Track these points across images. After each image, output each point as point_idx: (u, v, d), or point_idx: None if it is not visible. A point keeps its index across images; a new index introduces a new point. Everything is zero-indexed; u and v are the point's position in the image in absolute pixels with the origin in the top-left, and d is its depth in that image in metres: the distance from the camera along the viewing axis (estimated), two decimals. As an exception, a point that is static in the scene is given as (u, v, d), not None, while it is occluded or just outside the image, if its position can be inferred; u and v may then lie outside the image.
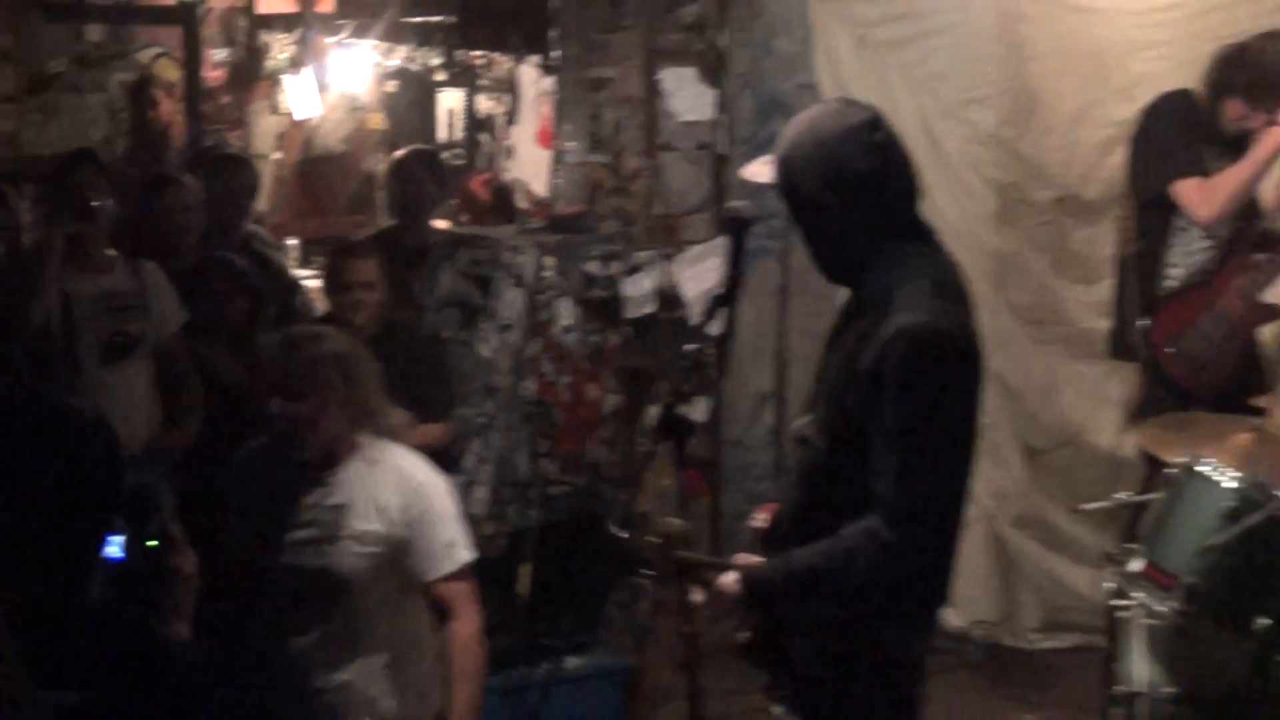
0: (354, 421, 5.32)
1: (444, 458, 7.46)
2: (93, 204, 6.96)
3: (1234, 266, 7.02)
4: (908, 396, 4.14)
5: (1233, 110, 6.92)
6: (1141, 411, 7.03)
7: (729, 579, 4.36)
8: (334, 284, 7.37)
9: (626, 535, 4.87)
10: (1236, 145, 6.95)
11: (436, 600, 5.48)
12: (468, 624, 5.53)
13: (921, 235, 4.46)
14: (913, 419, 4.15)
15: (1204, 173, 6.88)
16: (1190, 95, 7.11)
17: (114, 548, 4.26)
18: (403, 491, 5.30)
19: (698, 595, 4.40)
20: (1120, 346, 7.36)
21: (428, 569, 5.36)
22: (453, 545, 5.42)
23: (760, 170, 4.59)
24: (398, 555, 5.29)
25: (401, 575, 5.36)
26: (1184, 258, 7.03)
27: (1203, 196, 6.82)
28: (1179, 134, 7.00)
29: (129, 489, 3.55)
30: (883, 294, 4.27)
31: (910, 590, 4.31)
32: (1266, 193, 7.12)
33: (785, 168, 4.39)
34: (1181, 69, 7.94)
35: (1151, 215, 7.05)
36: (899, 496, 4.15)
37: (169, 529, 4.68)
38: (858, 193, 4.31)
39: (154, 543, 4.60)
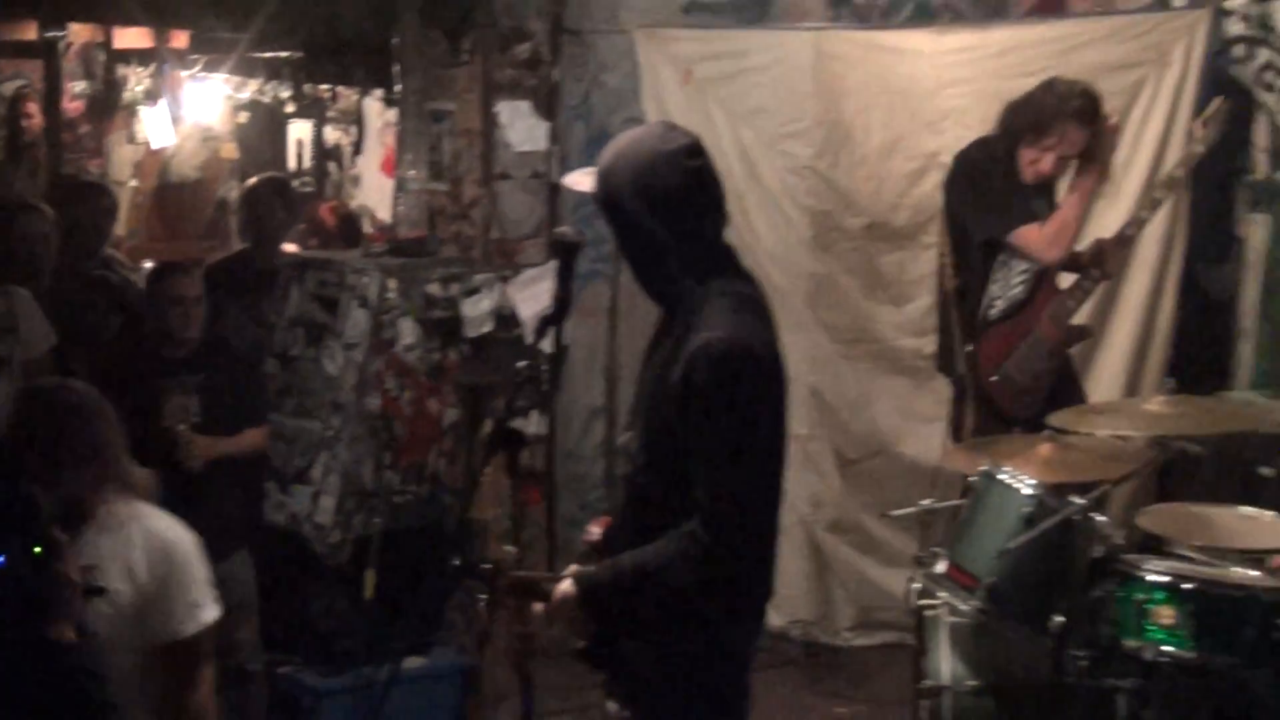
0: (99, 478, 5.00)
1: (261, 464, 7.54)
2: None
3: (1046, 293, 7.09)
4: (715, 407, 4.16)
5: (1026, 157, 6.99)
6: (974, 434, 7.07)
7: (564, 587, 4.35)
8: (160, 300, 7.32)
9: (459, 564, 4.82)
10: (1042, 185, 7.04)
11: (173, 661, 5.07)
12: (203, 687, 5.14)
13: (726, 257, 4.46)
14: (721, 428, 4.17)
15: (1034, 217, 6.94)
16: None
17: (-1, 556, 4.22)
18: (150, 550, 5.01)
19: (537, 607, 4.39)
20: (948, 367, 7.43)
21: (171, 629, 5.02)
22: (196, 606, 5.09)
23: (580, 180, 4.62)
24: (144, 615, 4.98)
25: (147, 635, 5.02)
26: (1004, 289, 7.09)
27: (1046, 241, 6.88)
28: (1000, 183, 7.05)
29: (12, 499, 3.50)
30: (689, 311, 4.30)
31: (731, 588, 4.30)
32: None
33: (605, 181, 4.38)
34: (982, 104, 8.03)
35: (976, 253, 7.09)
36: (713, 501, 4.16)
37: (53, 535, 4.62)
38: (671, 211, 4.32)
39: (39, 549, 4.56)
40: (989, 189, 7.05)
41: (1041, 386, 7.06)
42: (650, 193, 4.30)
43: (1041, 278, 7.09)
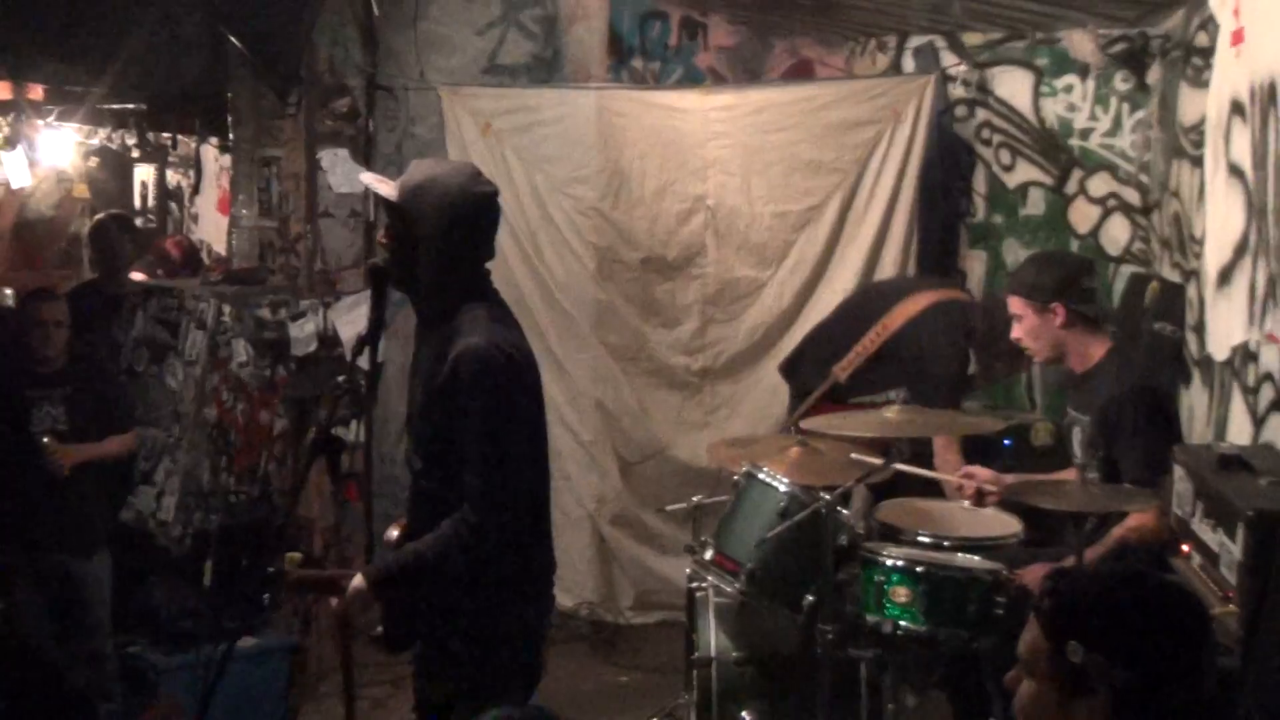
0: None
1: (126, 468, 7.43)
2: None
3: None
4: (476, 401, 4.22)
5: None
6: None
7: (355, 582, 4.32)
8: (27, 322, 7.21)
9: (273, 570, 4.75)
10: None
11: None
12: None
13: (485, 281, 4.52)
14: (482, 419, 4.22)
15: None
16: None
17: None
18: None
19: (332, 602, 4.35)
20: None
21: None
22: None
23: (377, 182, 4.57)
24: None
25: None
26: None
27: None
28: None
29: None
30: (448, 320, 4.36)
31: (502, 563, 4.35)
32: None
33: (414, 195, 4.39)
34: (740, 154, 8.16)
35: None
36: (479, 484, 4.21)
37: None
38: (462, 238, 4.40)
39: None
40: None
41: None
42: (452, 218, 4.36)
43: None
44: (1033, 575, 5.49)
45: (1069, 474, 5.93)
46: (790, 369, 7.64)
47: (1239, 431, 5.78)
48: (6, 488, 6.85)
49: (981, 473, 6.13)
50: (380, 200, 4.57)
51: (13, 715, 2.94)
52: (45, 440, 6.98)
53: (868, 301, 7.44)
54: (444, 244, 4.36)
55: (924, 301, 7.11)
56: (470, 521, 4.22)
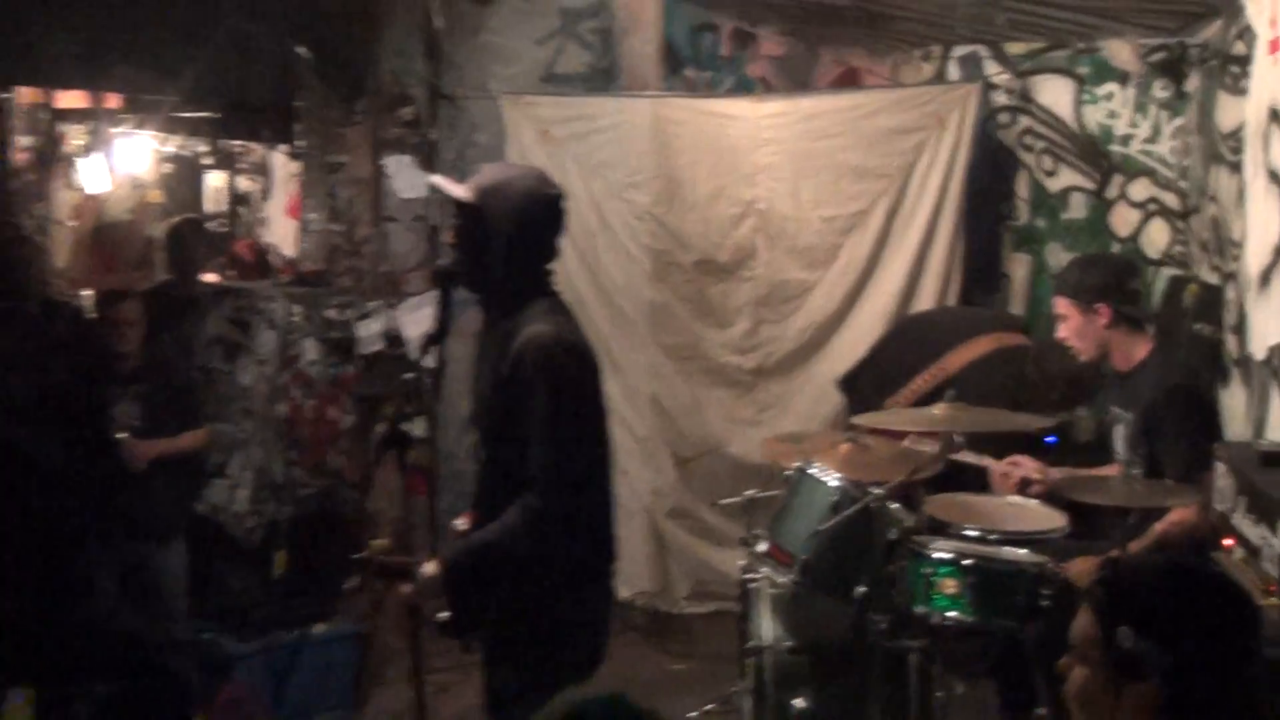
0: None
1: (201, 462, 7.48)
2: None
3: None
4: (540, 388, 4.22)
5: None
6: None
7: (427, 568, 4.34)
8: (103, 322, 7.29)
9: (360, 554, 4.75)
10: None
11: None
12: None
13: (548, 279, 4.52)
14: (547, 406, 4.22)
15: None
16: None
17: None
18: None
19: (405, 588, 4.36)
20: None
21: None
22: None
23: (450, 185, 4.58)
24: None
25: None
26: None
27: None
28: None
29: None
30: (511, 314, 4.38)
31: (566, 549, 4.35)
32: None
33: (488, 196, 4.41)
34: (790, 160, 8.12)
35: None
36: (543, 469, 4.22)
37: None
38: (532, 238, 4.42)
39: None
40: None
41: None
42: (524, 218, 4.38)
43: None
44: (1077, 568, 5.48)
45: (1111, 470, 5.92)
46: (849, 385, 7.66)
47: (1278, 429, 5.75)
48: (86, 482, 6.90)
49: (1028, 463, 6.12)
50: (451, 202, 4.57)
51: (120, 698, 2.96)
52: (122, 436, 7.04)
53: (931, 334, 7.48)
54: (515, 243, 4.38)
55: (984, 347, 7.15)
56: (535, 506, 4.23)
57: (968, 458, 6.36)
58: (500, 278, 4.43)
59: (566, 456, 4.27)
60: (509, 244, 4.38)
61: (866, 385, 7.47)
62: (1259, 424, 5.94)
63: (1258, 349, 5.89)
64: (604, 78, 8.67)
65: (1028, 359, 7.11)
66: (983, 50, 8.99)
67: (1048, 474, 6.00)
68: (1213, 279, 7.28)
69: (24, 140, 12.52)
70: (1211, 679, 2.74)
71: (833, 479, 5.80)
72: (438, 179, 4.93)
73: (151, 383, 7.19)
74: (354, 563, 4.37)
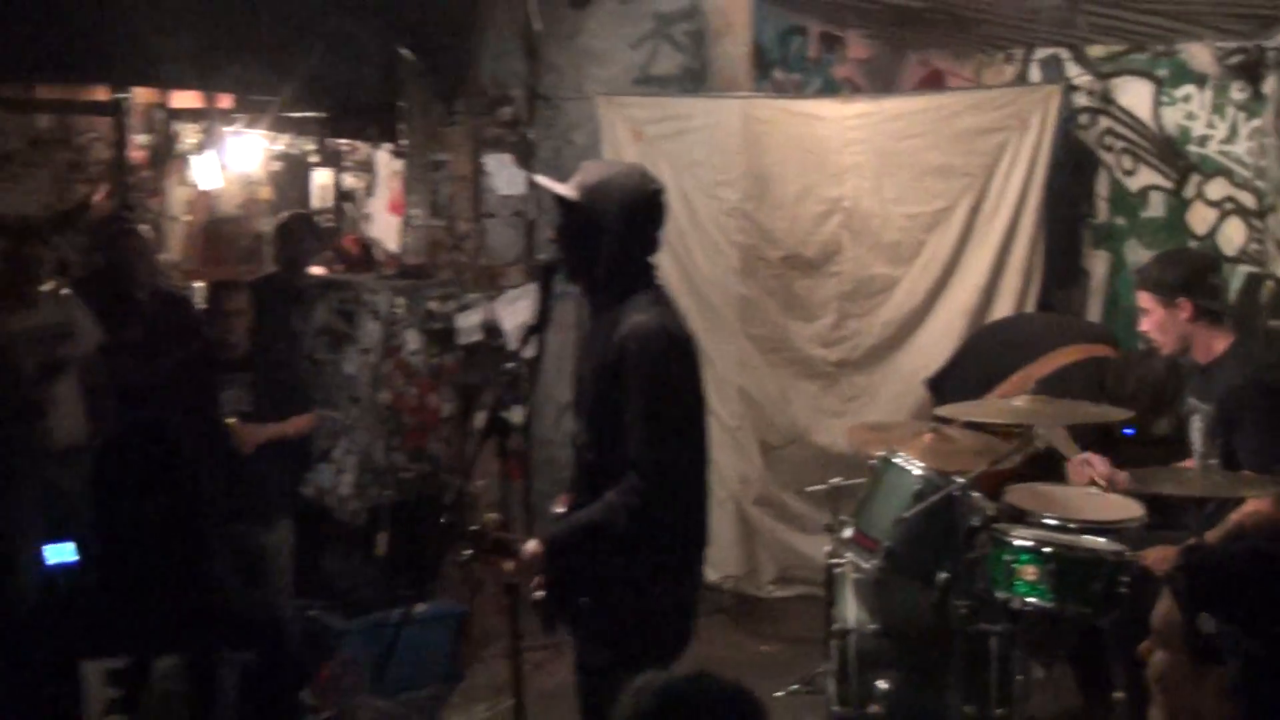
0: None
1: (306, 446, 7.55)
2: (26, 263, 7.08)
3: None
4: (644, 376, 4.26)
5: None
6: None
7: (531, 545, 4.36)
8: (213, 312, 7.44)
9: (449, 522, 4.78)
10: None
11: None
12: None
13: (651, 271, 4.55)
14: (649, 392, 4.27)
15: None
16: None
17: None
18: None
19: (509, 565, 4.38)
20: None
21: None
22: None
23: (555, 184, 4.60)
24: None
25: None
26: None
27: None
28: None
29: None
30: (616, 305, 4.41)
31: (664, 531, 4.38)
32: None
33: (593, 193, 4.43)
34: (877, 158, 8.09)
35: None
36: (644, 452, 4.25)
37: None
38: (637, 231, 4.46)
39: None
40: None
41: None
42: (630, 213, 4.42)
43: None
44: (1154, 556, 5.45)
45: (1186, 464, 5.88)
46: (935, 386, 7.63)
47: (1353, 423, 5.68)
48: (196, 465, 6.97)
49: (1099, 464, 6.08)
50: (555, 199, 4.59)
51: (255, 667, 3.03)
52: (230, 421, 7.13)
53: (1019, 340, 7.45)
54: (620, 237, 4.41)
55: (1072, 356, 7.11)
56: (636, 488, 4.25)
57: (1058, 442, 6.34)
58: (605, 271, 4.45)
59: (667, 442, 4.30)
60: (614, 238, 4.40)
61: (952, 388, 7.42)
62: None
63: (1334, 344, 5.83)
64: (696, 79, 8.66)
65: (1109, 368, 7.07)
66: (1064, 53, 8.93)
67: (1115, 477, 5.96)
68: (1290, 276, 7.22)
69: (141, 139, 12.70)
70: None
71: (917, 468, 5.80)
72: (542, 178, 4.96)
73: (259, 370, 7.29)
74: (469, 534, 4.38)
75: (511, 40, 8.47)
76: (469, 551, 4.40)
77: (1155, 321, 5.84)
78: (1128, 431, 6.84)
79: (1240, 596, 2.77)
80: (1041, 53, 9.04)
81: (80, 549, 6.02)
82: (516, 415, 5.92)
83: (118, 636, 3.18)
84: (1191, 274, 5.83)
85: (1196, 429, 5.82)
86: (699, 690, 2.44)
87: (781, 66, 9.29)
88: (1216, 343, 5.78)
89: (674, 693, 2.44)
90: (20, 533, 6.61)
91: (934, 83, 9.52)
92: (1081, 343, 7.29)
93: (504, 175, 8.62)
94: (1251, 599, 2.77)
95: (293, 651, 3.84)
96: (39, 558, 6.02)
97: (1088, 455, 6.19)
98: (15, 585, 6.47)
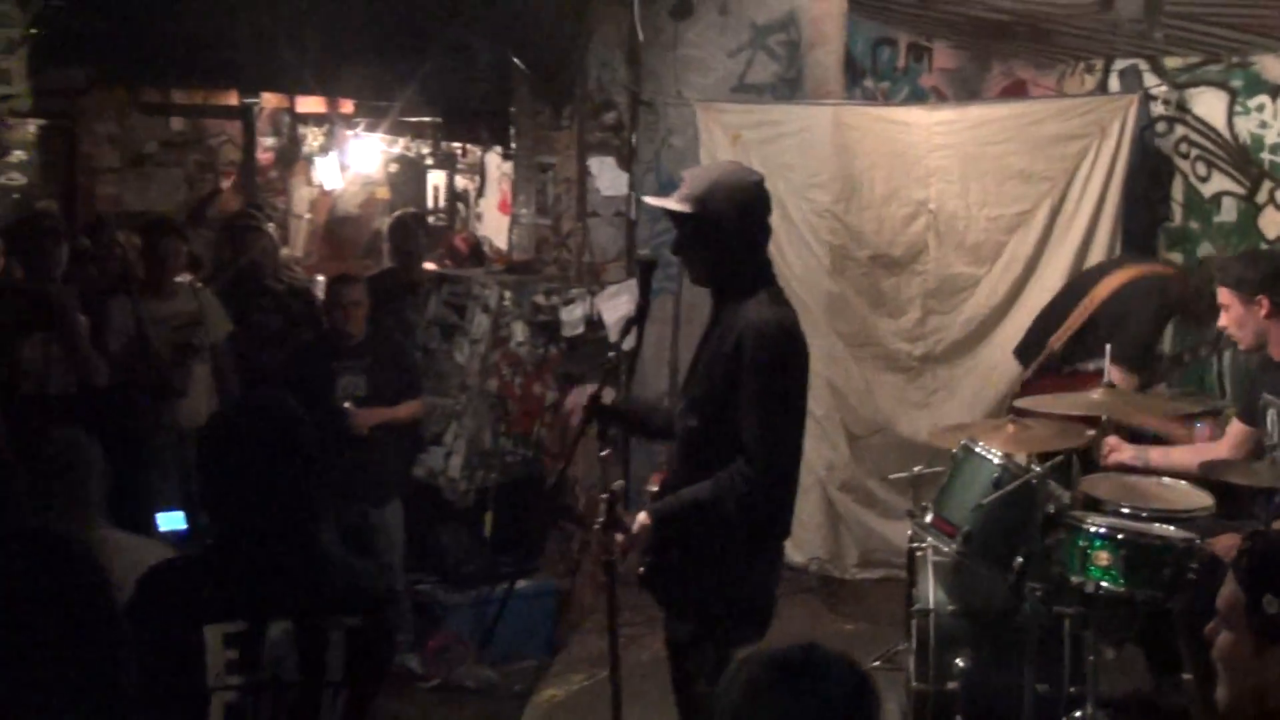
0: None
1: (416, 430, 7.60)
2: (165, 256, 7.18)
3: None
4: (761, 367, 4.28)
5: None
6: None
7: (641, 518, 4.40)
8: (332, 303, 7.48)
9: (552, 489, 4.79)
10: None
11: None
12: None
13: (768, 267, 4.56)
14: (765, 383, 4.29)
15: None
16: None
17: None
18: None
19: (619, 538, 4.39)
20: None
21: None
22: None
23: (665, 202, 4.60)
24: None
25: None
26: None
27: None
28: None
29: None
30: (739, 300, 4.40)
31: (766, 514, 4.41)
32: None
33: (706, 197, 4.40)
34: (960, 164, 8.03)
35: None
36: (757, 440, 4.27)
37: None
38: (752, 223, 4.45)
39: None
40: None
41: None
42: (743, 206, 4.41)
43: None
44: (1222, 543, 5.39)
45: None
46: (1022, 351, 7.59)
47: None
48: (313, 443, 7.03)
49: (1124, 449, 6.04)
50: (668, 213, 4.58)
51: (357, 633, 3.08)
52: (347, 405, 7.20)
53: (1079, 280, 7.40)
54: (741, 230, 4.42)
55: (1129, 274, 7.06)
56: (745, 472, 4.27)
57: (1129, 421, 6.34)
58: (731, 268, 4.46)
59: (777, 432, 4.33)
60: (733, 234, 4.41)
61: (1033, 343, 7.43)
62: None
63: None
64: (790, 87, 8.64)
65: (1173, 283, 7.01)
66: (1142, 64, 8.87)
67: (1138, 457, 5.99)
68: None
69: (268, 141, 12.89)
70: None
71: (996, 456, 5.76)
72: (652, 200, 4.98)
73: (374, 358, 7.35)
74: (577, 514, 4.43)
75: (616, 50, 8.49)
76: (601, 521, 4.42)
77: (1234, 317, 5.80)
78: (1198, 425, 6.77)
79: None
80: (1120, 64, 8.98)
81: (201, 519, 6.10)
82: (614, 400, 5.94)
83: (236, 602, 3.23)
84: (1270, 272, 5.76)
85: (1271, 421, 5.76)
86: (810, 659, 2.42)
87: (871, 75, 9.28)
88: None
89: (786, 661, 2.41)
90: (159, 503, 6.72)
91: (1017, 91, 9.46)
92: (1135, 265, 7.25)
93: (607, 177, 8.65)
94: None
95: (395, 620, 3.90)
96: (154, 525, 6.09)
97: (1111, 439, 6.20)
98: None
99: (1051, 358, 7.06)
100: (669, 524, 4.42)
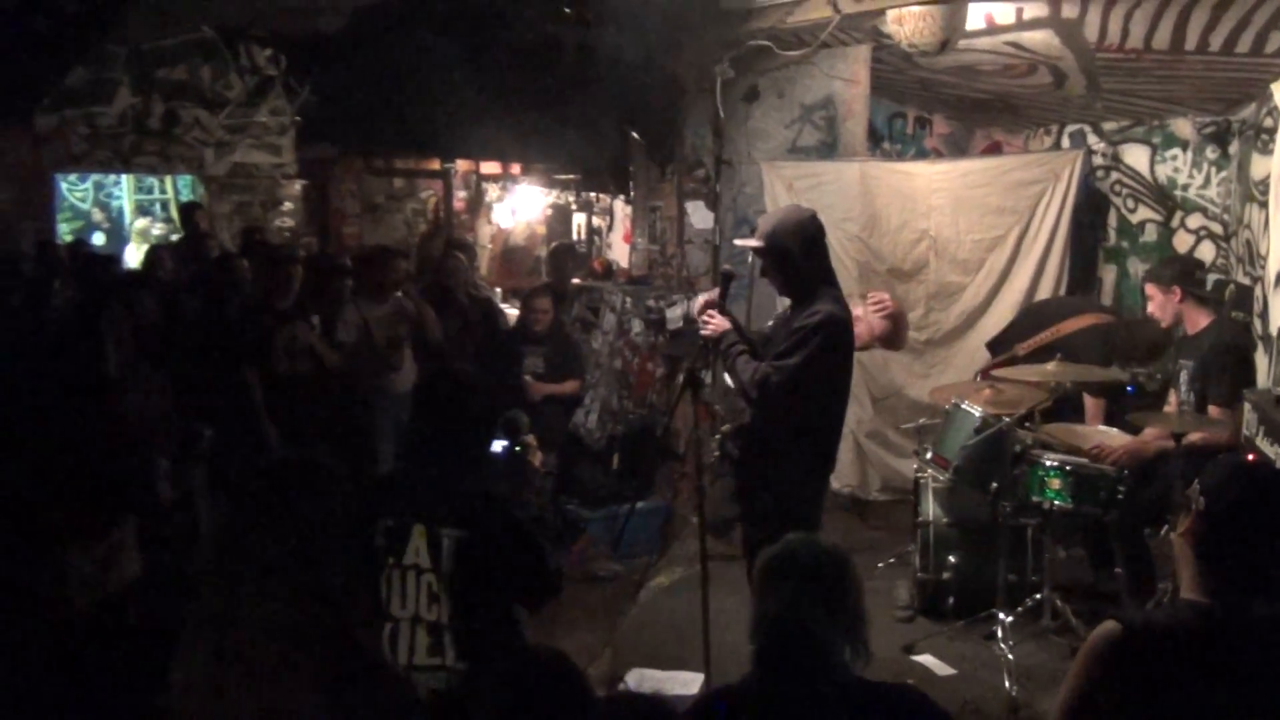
0: None
1: (575, 400, 7.61)
2: (390, 273, 7.20)
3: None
4: (815, 330, 4.31)
5: None
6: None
7: (718, 321, 4.56)
8: (526, 309, 7.65)
9: (661, 436, 4.78)
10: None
11: None
12: None
13: (829, 274, 4.56)
14: (813, 341, 4.30)
15: None
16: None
17: (497, 448, 4.30)
18: None
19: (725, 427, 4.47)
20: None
21: None
22: None
23: (746, 241, 4.62)
24: None
25: None
26: None
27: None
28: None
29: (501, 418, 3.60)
30: (808, 300, 4.42)
31: (816, 448, 4.49)
32: None
33: (775, 232, 4.44)
34: (954, 202, 7.92)
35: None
36: (787, 366, 4.31)
37: (526, 439, 4.79)
38: (812, 247, 4.46)
39: (519, 448, 4.70)
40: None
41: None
42: (803, 237, 4.44)
43: None
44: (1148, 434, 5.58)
45: (1170, 407, 5.75)
46: (994, 346, 7.50)
47: (1290, 382, 5.47)
48: (488, 400, 7.06)
49: (1115, 439, 5.86)
50: (752, 250, 4.68)
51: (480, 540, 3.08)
52: (526, 379, 7.29)
53: (1051, 310, 7.33)
54: (805, 254, 4.44)
55: (1088, 320, 7.00)
56: (767, 372, 4.30)
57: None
58: (802, 282, 4.48)
59: (801, 372, 4.30)
60: (800, 257, 4.43)
61: (1003, 340, 7.36)
62: (1277, 378, 5.66)
63: (1274, 329, 5.63)
64: (829, 149, 8.55)
65: (1118, 329, 6.94)
66: (1086, 127, 8.76)
67: (1126, 448, 5.68)
68: (1245, 281, 6.94)
69: (461, 193, 13.00)
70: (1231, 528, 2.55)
71: (977, 411, 5.74)
72: (739, 240, 4.99)
73: (550, 345, 7.46)
74: (677, 453, 4.44)
75: (705, 124, 8.47)
76: (678, 464, 4.45)
77: (1157, 303, 5.78)
78: (1129, 389, 6.65)
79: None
80: (1071, 127, 8.88)
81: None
82: (706, 377, 5.94)
83: (400, 504, 3.28)
84: (1182, 269, 5.85)
85: (1182, 381, 5.67)
86: (809, 544, 2.75)
87: (888, 139, 9.19)
88: (1200, 318, 5.71)
89: (793, 544, 2.76)
90: (381, 446, 6.83)
91: (994, 149, 9.35)
92: (1093, 313, 7.16)
93: (698, 215, 8.65)
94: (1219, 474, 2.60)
95: (546, 534, 3.94)
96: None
97: (1103, 429, 6.08)
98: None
99: (1013, 358, 6.98)
100: (723, 353, 4.49)
